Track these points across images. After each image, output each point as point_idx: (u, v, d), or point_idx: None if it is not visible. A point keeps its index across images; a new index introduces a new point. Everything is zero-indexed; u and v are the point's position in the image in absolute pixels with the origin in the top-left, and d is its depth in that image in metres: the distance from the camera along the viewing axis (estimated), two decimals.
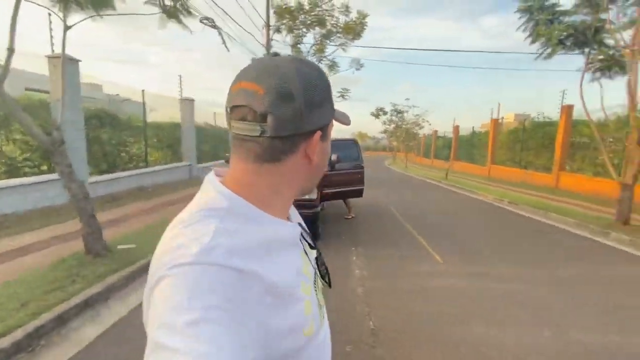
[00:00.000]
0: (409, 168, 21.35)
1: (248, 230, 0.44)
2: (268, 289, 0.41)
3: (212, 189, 0.47)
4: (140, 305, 1.91)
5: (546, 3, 6.42)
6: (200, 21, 6.66)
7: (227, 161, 5.50)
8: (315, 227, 4.44)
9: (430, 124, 29.64)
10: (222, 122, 15.14)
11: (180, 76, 11.13)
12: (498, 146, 15.55)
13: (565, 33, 6.24)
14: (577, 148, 10.80)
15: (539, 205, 7.63)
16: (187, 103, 10.97)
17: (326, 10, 11.71)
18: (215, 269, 0.37)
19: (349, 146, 6.38)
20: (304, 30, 11.61)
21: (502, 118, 17.46)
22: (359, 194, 5.99)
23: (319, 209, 4.32)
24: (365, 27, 12.26)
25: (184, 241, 0.40)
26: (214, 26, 6.92)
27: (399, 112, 28.09)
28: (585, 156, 10.38)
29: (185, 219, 0.43)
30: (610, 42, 6.02)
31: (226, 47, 7.44)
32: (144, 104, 8.70)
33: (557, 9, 6.37)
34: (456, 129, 20.68)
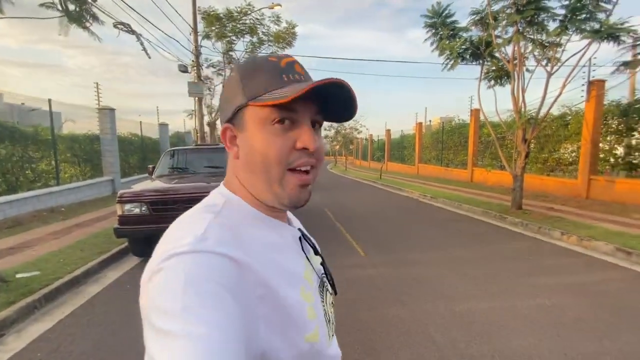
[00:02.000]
0: (349, 171, 22.27)
1: (243, 227, 0.45)
2: (261, 282, 0.41)
3: (215, 190, 0.52)
4: (41, 336, 1.80)
5: (447, 20, 7.34)
6: (115, 26, 6.27)
7: (151, 173, 5.21)
8: None
9: (367, 129, 31.41)
10: (151, 131, 14.19)
11: (97, 83, 10.24)
12: (424, 147, 17.08)
13: (463, 47, 7.22)
14: (486, 146, 12.39)
15: (453, 197, 8.60)
16: (107, 113, 10.09)
17: (256, 18, 11.81)
18: (208, 256, 0.38)
19: (215, 156, 5.33)
20: (234, 38, 11.53)
21: (430, 121, 19.24)
22: None
23: None
24: (295, 36, 12.63)
25: (179, 234, 0.42)
26: (131, 32, 6.55)
27: None
28: (491, 153, 11.96)
29: (184, 216, 0.47)
30: (499, 55, 7.12)
31: (147, 53, 7.09)
32: (50, 114, 7.81)
33: (456, 25, 7.33)
34: (388, 132, 22.19)
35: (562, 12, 5.49)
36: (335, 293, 0.59)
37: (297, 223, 0.61)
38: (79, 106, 10.08)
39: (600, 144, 8.07)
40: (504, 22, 6.24)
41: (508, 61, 6.59)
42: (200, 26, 11.12)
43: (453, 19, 7.34)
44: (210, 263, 0.37)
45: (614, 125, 8.13)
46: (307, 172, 0.47)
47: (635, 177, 7.60)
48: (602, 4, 5.40)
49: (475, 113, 12.48)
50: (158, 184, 4.45)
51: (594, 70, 7.82)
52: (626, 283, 3.40)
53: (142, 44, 6.62)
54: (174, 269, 0.36)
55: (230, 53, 12.29)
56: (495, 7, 6.36)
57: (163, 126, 15.48)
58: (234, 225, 0.44)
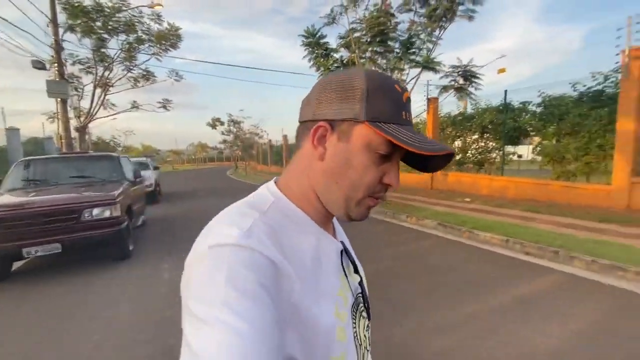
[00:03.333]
0: (249, 176, 22.32)
1: (286, 230, 0.46)
2: (296, 290, 0.41)
3: (263, 187, 0.52)
4: None
5: (321, 41, 8.42)
6: None
7: None
8: (123, 246, 4.34)
9: (268, 134, 31.85)
10: None
11: None
12: None
13: (335, 65, 8.40)
14: None
15: None
16: None
17: (134, 15, 10.97)
18: (251, 253, 0.39)
19: (86, 165, 5.09)
20: (106, 35, 10.47)
21: None
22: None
23: (124, 225, 4.26)
24: (180, 38, 12.20)
25: (227, 224, 0.42)
26: None
27: (236, 122, 28.85)
28: None
29: (231, 207, 0.48)
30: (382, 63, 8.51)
31: None
32: None
33: (328, 46, 8.47)
34: (285, 137, 23.14)
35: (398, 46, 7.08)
36: (369, 318, 0.57)
37: (341, 235, 0.60)
38: None
39: None
40: (361, 48, 7.59)
41: None
42: (63, 17, 9.75)
43: (325, 40, 8.48)
44: (253, 260, 0.38)
45: (448, 132, 10.63)
46: (379, 197, 0.49)
47: (462, 171, 10.11)
48: (427, 43, 7.17)
49: None
50: (7, 198, 3.97)
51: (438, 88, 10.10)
52: (437, 247, 4.75)
53: None
54: (218, 260, 0.38)
55: (103, 50, 11.07)
56: (357, 35, 7.69)
57: (12, 131, 12.72)
58: (278, 227, 0.45)
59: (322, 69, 8.28)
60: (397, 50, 7.07)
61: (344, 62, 8.43)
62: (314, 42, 8.31)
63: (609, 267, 3.42)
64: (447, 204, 7.49)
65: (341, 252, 0.53)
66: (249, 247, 0.39)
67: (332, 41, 8.46)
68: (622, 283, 3.18)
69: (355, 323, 0.52)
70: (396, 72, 7.69)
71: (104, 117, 12.58)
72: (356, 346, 0.51)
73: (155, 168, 11.74)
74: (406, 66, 7.23)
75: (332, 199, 0.48)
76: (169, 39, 12.08)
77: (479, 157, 9.73)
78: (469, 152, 10.03)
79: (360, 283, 0.56)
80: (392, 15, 7.50)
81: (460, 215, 6.07)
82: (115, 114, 12.84)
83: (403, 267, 3.91)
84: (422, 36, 7.59)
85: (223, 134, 30.49)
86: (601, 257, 3.59)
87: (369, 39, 6.90)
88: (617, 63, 5.79)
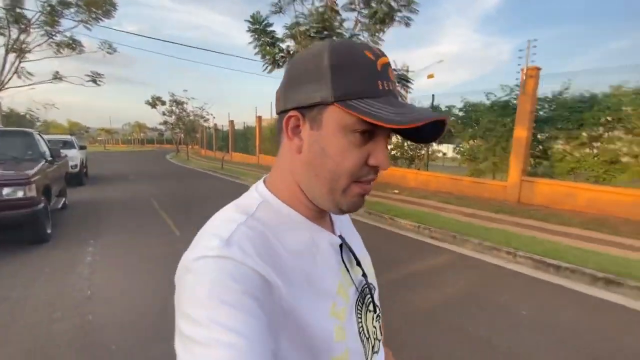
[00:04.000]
0: (191, 160, 21.38)
1: (276, 232, 0.43)
2: (286, 296, 0.40)
3: (252, 187, 0.50)
4: None
5: (268, 29, 8.43)
6: None
7: None
8: (39, 228, 4.09)
9: (214, 117, 30.49)
10: None
11: None
12: (266, 139, 18.44)
13: (281, 54, 8.49)
14: None
15: None
16: None
17: None
18: (232, 263, 0.37)
19: (14, 142, 4.82)
20: None
21: (273, 116, 20.70)
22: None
23: (40, 207, 4.01)
24: (115, 5, 11.15)
25: (208, 235, 0.41)
26: None
27: (179, 102, 27.13)
28: None
29: (218, 214, 0.46)
30: None
31: None
32: None
33: (275, 35, 8.51)
34: (231, 123, 22.59)
35: None
36: (375, 310, 0.55)
37: (343, 227, 0.57)
38: None
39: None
40: (304, 42, 7.80)
41: None
42: None
43: (273, 28, 8.50)
44: (236, 270, 0.37)
45: None
46: (369, 182, 0.45)
47: (396, 166, 10.99)
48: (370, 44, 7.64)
49: (258, 119, 15.13)
50: None
51: None
52: (361, 231, 5.26)
53: None
54: (200, 274, 0.36)
55: (18, 10, 9.72)
56: (302, 28, 7.87)
57: None
58: (266, 229, 0.43)
59: (267, 57, 8.32)
60: None
61: (290, 52, 8.57)
62: (260, 30, 8.29)
63: (489, 248, 4.20)
64: (378, 194, 8.17)
65: (340, 245, 0.50)
66: (230, 257, 0.37)
67: (280, 30, 8.50)
68: (495, 260, 3.96)
69: (360, 317, 0.50)
70: None
71: (18, 87, 11.09)
72: (362, 340, 0.49)
73: (82, 147, 10.76)
74: None
75: (316, 194, 0.45)
76: (101, 5, 11.00)
77: (410, 153, 10.67)
78: (404, 148, 10.93)
79: (364, 276, 0.54)
80: (337, 12, 7.81)
81: (387, 205, 6.73)
82: (32, 84, 11.38)
83: None
84: (364, 36, 8.05)
85: (164, 114, 28.49)
86: (486, 240, 4.38)
87: (312, 34, 7.14)
88: (517, 79, 6.82)
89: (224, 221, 0.43)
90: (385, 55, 0.43)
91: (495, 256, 4.07)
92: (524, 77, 6.39)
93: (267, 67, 8.34)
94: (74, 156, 9.12)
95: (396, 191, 8.43)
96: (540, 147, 7.20)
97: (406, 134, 0.47)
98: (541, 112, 7.02)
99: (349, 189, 0.44)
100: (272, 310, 0.38)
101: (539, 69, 6.36)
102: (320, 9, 7.51)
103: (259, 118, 18.61)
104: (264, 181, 0.51)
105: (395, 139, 11.26)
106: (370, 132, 0.41)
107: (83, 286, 3.06)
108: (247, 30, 8.30)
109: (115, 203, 7.06)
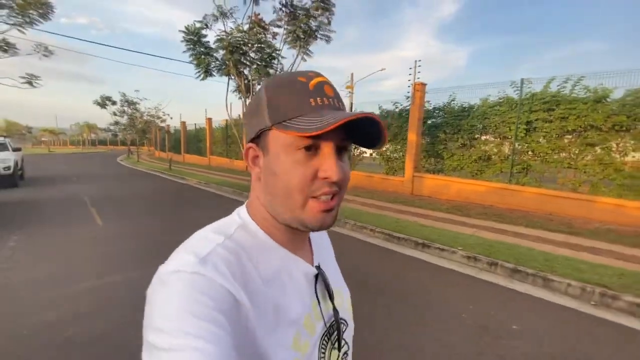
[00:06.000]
0: (141, 162, 21.23)
1: (250, 255, 0.45)
2: (251, 318, 0.41)
3: (235, 211, 0.52)
4: None
5: (202, 39, 9.13)
6: None
7: None
8: None
9: (172, 118, 29.89)
10: None
11: None
12: (217, 141, 18.88)
13: (214, 63, 9.23)
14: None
15: (220, 182, 10.76)
16: None
17: None
18: (206, 280, 0.39)
19: None
20: None
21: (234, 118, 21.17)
22: None
23: None
24: (51, 7, 11.16)
25: (187, 250, 0.42)
26: None
27: (131, 103, 26.49)
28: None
29: (198, 232, 0.47)
30: (246, 73, 9.56)
31: None
32: None
33: (208, 45, 9.24)
34: (183, 124, 22.71)
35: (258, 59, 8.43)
36: (339, 348, 0.54)
37: (319, 257, 0.57)
38: None
39: None
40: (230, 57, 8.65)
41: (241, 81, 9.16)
42: None
43: (207, 39, 9.23)
44: (209, 286, 0.38)
45: None
46: (330, 198, 0.45)
47: None
48: (275, 62, 8.68)
49: (209, 120, 17.22)
50: None
51: None
52: None
53: None
54: (173, 287, 0.38)
55: None
56: (233, 40, 8.70)
57: None
58: (241, 251, 0.45)
59: (201, 65, 9.02)
60: (258, 63, 8.38)
61: (225, 62, 9.33)
62: (195, 40, 8.99)
63: (360, 227, 5.34)
64: None
65: (316, 276, 0.52)
66: (203, 274, 0.39)
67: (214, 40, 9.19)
68: (361, 235, 5.09)
69: (324, 354, 0.51)
70: (255, 83, 8.99)
71: None
72: None
73: (16, 149, 10.70)
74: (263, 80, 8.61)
75: (279, 213, 0.47)
76: (38, 6, 10.97)
77: None
78: None
79: (335, 311, 0.53)
80: (265, 28, 8.73)
81: None
82: None
83: None
84: (285, 50, 9.03)
85: (115, 114, 27.64)
86: (375, 225, 5.40)
87: (232, 49, 8.01)
88: (408, 92, 8.18)
89: (202, 240, 0.45)
90: (321, 76, 0.46)
91: (363, 233, 5.21)
92: (413, 91, 7.74)
93: (200, 75, 9.05)
94: (6, 158, 9.20)
95: None
96: (434, 148, 8.64)
97: (356, 140, 0.48)
98: (436, 120, 8.44)
99: (308, 206, 0.45)
100: (238, 330, 0.39)
101: (424, 84, 7.76)
102: (246, 26, 8.37)
103: (209, 120, 19.02)
104: (246, 205, 0.52)
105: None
106: (315, 147, 0.44)
107: (5, 258, 3.71)
108: (182, 40, 8.96)
109: (48, 202, 7.42)
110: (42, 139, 63.82)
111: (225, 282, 0.40)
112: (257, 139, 0.47)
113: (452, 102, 8.25)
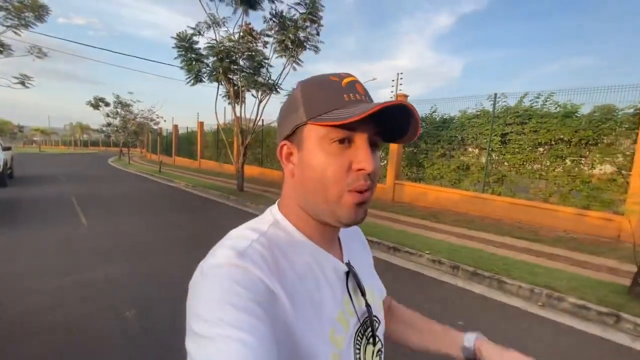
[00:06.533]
0: (132, 164, 21.23)
1: (284, 251, 0.47)
2: (289, 314, 0.42)
3: (268, 209, 0.54)
4: None
5: (194, 46, 9.36)
6: None
7: None
8: None
9: (165, 120, 29.99)
10: None
11: None
12: (208, 144, 19.02)
13: (206, 71, 9.44)
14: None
15: (207, 185, 10.90)
16: None
17: None
18: (244, 272, 0.41)
19: None
20: None
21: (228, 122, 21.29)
22: None
23: None
24: (47, 10, 11.34)
25: (223, 248, 0.44)
26: None
27: (125, 104, 26.51)
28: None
29: (235, 230, 0.49)
30: (236, 79, 9.77)
31: None
32: None
33: (200, 52, 9.47)
34: (175, 127, 22.86)
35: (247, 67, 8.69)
36: (374, 343, 0.55)
37: (349, 254, 0.58)
38: None
39: None
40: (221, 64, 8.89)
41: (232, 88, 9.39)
42: None
43: (198, 46, 9.46)
44: (247, 279, 0.40)
45: None
46: (362, 189, 0.46)
47: None
48: (263, 70, 8.95)
49: (200, 124, 17.53)
50: None
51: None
52: None
53: None
54: (215, 279, 0.40)
55: None
56: (222, 48, 8.94)
57: None
58: (275, 248, 0.46)
59: (192, 71, 9.22)
60: (247, 71, 8.64)
61: (213, 68, 9.54)
62: (187, 47, 9.21)
63: None
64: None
65: (346, 273, 0.53)
66: (242, 266, 0.41)
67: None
68: None
69: (359, 349, 0.52)
70: (244, 90, 9.22)
71: None
72: None
73: (6, 148, 10.76)
74: (252, 87, 8.86)
75: (315, 209, 0.48)
76: (35, 9, 11.13)
77: None
78: None
79: (368, 307, 0.54)
80: (255, 37, 9.00)
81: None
82: None
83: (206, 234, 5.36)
84: (275, 59, 9.28)
85: (108, 115, 27.61)
86: None
87: (222, 57, 8.25)
88: None
89: (239, 237, 0.47)
90: (352, 76, 0.49)
91: None
92: None
93: (190, 80, 9.27)
94: None
95: None
96: (416, 157, 8.93)
97: (387, 136, 0.49)
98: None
99: (343, 199, 0.46)
100: (276, 322, 0.40)
101: (406, 95, 8.08)
102: (237, 35, 8.62)
103: (201, 124, 19.19)
104: (278, 204, 0.54)
105: None
106: (348, 139, 0.45)
107: None
108: (173, 47, 9.18)
109: (36, 201, 7.50)
110: (34, 138, 63.15)
111: (262, 275, 0.42)
112: (291, 135, 0.49)
113: (434, 113, 8.58)
